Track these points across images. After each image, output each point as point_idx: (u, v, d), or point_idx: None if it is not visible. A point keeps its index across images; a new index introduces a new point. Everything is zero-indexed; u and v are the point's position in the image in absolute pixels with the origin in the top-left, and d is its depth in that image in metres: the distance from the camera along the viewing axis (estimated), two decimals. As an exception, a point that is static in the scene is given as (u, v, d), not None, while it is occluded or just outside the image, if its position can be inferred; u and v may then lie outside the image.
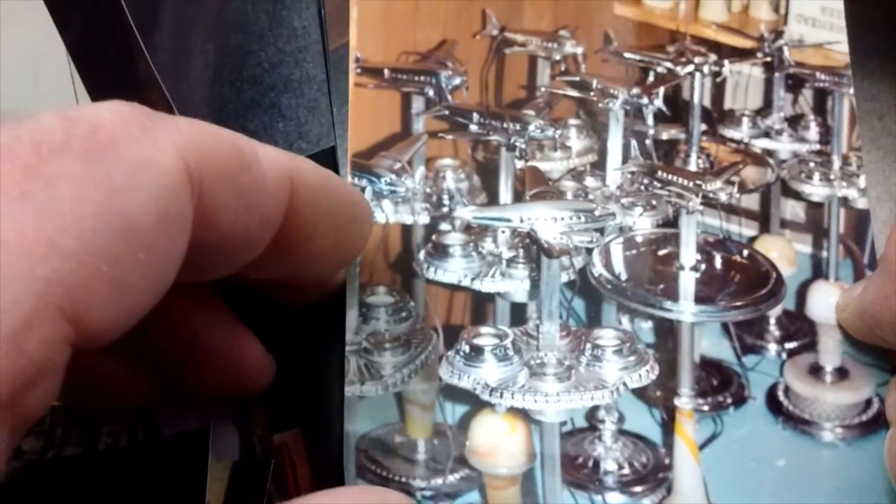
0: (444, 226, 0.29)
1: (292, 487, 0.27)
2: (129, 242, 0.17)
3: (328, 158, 0.29)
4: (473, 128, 0.30)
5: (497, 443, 0.27)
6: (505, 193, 0.30)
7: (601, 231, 0.29)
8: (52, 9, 0.31)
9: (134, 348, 0.25)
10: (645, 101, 0.31)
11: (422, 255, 0.29)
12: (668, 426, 0.28)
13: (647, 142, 0.31)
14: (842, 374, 0.29)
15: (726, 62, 0.32)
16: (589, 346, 0.28)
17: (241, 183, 0.20)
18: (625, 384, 0.27)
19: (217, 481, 0.27)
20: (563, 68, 0.32)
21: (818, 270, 0.30)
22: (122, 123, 0.18)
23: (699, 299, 0.29)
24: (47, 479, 0.28)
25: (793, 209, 0.31)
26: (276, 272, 0.24)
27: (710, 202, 0.30)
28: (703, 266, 0.29)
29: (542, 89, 0.32)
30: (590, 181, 0.31)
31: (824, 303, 0.29)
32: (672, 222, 0.30)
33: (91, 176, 0.17)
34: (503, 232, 0.29)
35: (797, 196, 0.31)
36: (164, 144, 0.19)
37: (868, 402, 0.28)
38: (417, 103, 0.31)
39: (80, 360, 0.24)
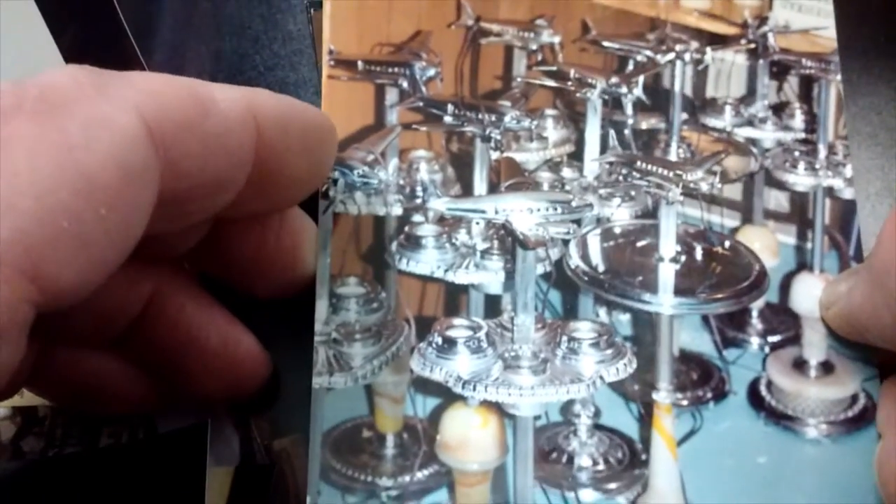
0: (417, 217, 0.29)
1: (292, 493, 0.27)
2: (88, 198, 0.18)
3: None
4: (448, 119, 0.30)
5: (469, 437, 0.26)
6: (480, 185, 0.30)
7: (578, 222, 0.28)
8: (46, 15, 0.31)
9: (131, 349, 0.26)
10: (624, 90, 0.31)
11: (394, 246, 0.29)
12: (645, 421, 0.27)
13: (626, 132, 0.31)
14: (827, 368, 0.28)
15: (708, 49, 0.31)
16: (565, 338, 0.27)
17: (205, 129, 0.20)
18: (601, 378, 0.27)
19: (218, 486, 0.27)
20: (539, 58, 0.32)
21: (803, 262, 0.29)
22: (75, 84, 0.19)
23: (679, 291, 0.28)
24: (46, 476, 0.28)
25: (776, 199, 0.30)
26: (258, 206, 0.24)
27: (690, 192, 0.29)
28: (683, 257, 0.29)
29: (519, 80, 0.32)
30: (567, 172, 0.30)
31: (809, 295, 0.28)
32: (651, 213, 0.29)
33: (45, 136, 0.17)
34: (477, 223, 0.29)
35: (781, 186, 0.30)
36: (120, 101, 0.19)
37: (854, 398, 0.27)
38: (391, 95, 0.31)
39: (83, 366, 0.25)
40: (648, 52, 0.31)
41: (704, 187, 0.29)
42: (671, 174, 0.29)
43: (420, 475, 0.26)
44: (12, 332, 0.17)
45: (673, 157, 0.31)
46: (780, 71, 0.32)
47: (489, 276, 0.28)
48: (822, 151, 0.30)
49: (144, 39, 0.31)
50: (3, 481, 0.28)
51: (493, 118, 0.30)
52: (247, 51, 0.31)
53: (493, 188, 0.30)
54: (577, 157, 0.31)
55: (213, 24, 0.32)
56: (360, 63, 0.30)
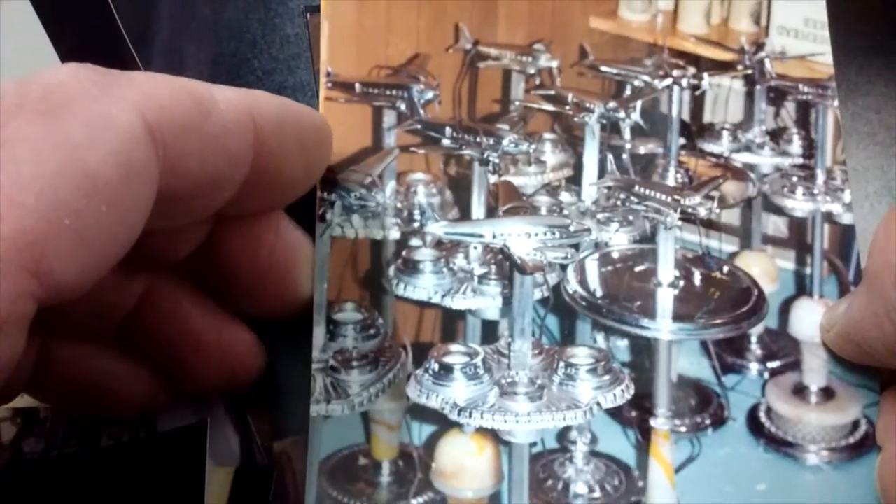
0: (414, 241, 0.29)
1: (292, 494, 0.27)
2: (90, 196, 0.18)
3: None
4: (446, 142, 0.30)
5: (464, 464, 0.26)
6: (477, 209, 0.30)
7: (576, 247, 0.28)
8: (45, 21, 0.31)
9: (128, 341, 0.26)
10: (622, 114, 0.31)
11: (391, 270, 0.28)
12: (643, 448, 0.27)
13: (624, 156, 0.31)
14: (827, 394, 0.28)
15: (705, 75, 0.31)
16: (562, 364, 0.27)
17: (204, 129, 0.21)
18: (598, 404, 0.27)
19: (218, 487, 0.27)
20: (537, 82, 0.32)
21: (802, 287, 0.29)
22: (77, 84, 0.19)
23: (677, 317, 0.28)
24: (46, 476, 0.28)
25: (775, 224, 0.30)
26: (256, 205, 0.24)
27: (688, 217, 0.29)
28: (681, 283, 0.29)
29: (517, 103, 0.32)
30: (565, 196, 0.30)
31: (808, 320, 0.28)
32: (649, 238, 0.29)
33: (48, 135, 0.18)
34: (475, 248, 0.29)
35: (779, 211, 0.30)
36: (122, 101, 0.19)
37: (855, 424, 0.27)
38: (389, 117, 0.31)
39: (82, 367, 0.25)
40: (646, 78, 0.31)
41: (702, 212, 0.29)
42: (669, 199, 0.29)
43: (415, 503, 0.26)
44: (14, 326, 0.17)
45: (671, 181, 0.31)
46: (777, 96, 0.32)
47: (486, 302, 0.28)
48: (821, 176, 0.30)
49: (142, 45, 0.31)
50: (4, 481, 0.28)
51: (492, 141, 0.30)
52: (245, 55, 0.31)
53: (491, 212, 0.29)
54: (575, 181, 0.31)
55: (211, 29, 0.32)
56: (357, 85, 0.30)
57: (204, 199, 0.22)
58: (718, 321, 0.28)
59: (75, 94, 0.19)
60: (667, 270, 0.29)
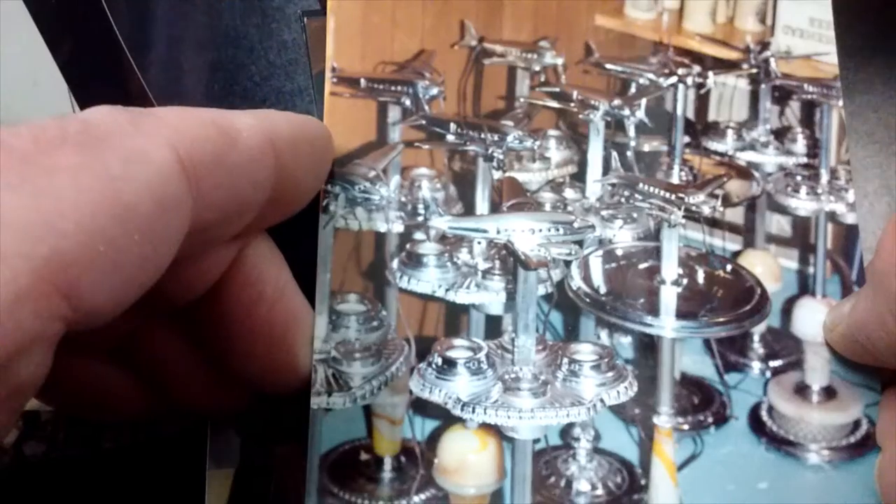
0: (418, 235, 0.29)
1: (292, 495, 0.27)
2: (125, 225, 0.19)
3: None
4: (450, 138, 0.30)
5: (466, 460, 0.26)
6: (481, 204, 0.30)
7: (580, 243, 0.28)
8: (42, 29, 0.31)
9: (125, 358, 0.26)
10: (626, 112, 0.31)
11: (395, 263, 0.28)
12: (645, 445, 0.27)
13: (629, 153, 0.31)
14: (829, 393, 0.28)
15: (710, 73, 0.31)
16: (566, 360, 0.27)
17: (231, 159, 0.22)
18: (602, 401, 0.26)
19: (218, 489, 0.27)
20: (542, 79, 0.32)
21: (805, 286, 0.29)
22: (112, 122, 0.20)
23: (680, 314, 0.28)
24: (47, 478, 0.28)
25: (779, 223, 0.30)
26: (272, 220, 0.25)
27: (692, 215, 0.29)
28: (685, 281, 0.29)
29: (521, 100, 0.32)
30: (569, 193, 0.30)
31: (811, 320, 0.28)
32: (653, 236, 0.29)
33: (88, 166, 0.19)
34: (479, 243, 0.28)
35: (783, 210, 0.30)
36: (156, 138, 0.20)
37: (856, 424, 0.27)
38: (394, 113, 0.30)
39: (81, 373, 0.25)
40: (651, 76, 0.31)
41: (706, 210, 0.29)
42: (673, 197, 0.29)
43: (417, 499, 0.26)
44: (43, 345, 0.18)
45: (675, 179, 0.31)
46: (782, 96, 0.32)
47: (490, 297, 0.28)
48: (824, 176, 0.30)
49: (140, 53, 0.31)
50: (5, 483, 0.28)
51: (496, 138, 0.30)
52: (242, 61, 0.31)
53: (495, 208, 0.29)
54: (579, 178, 0.31)
55: (208, 35, 0.32)
56: (363, 81, 0.30)
57: (229, 226, 0.23)
58: (721, 319, 0.28)
59: (112, 131, 0.20)
60: (670, 268, 0.29)
